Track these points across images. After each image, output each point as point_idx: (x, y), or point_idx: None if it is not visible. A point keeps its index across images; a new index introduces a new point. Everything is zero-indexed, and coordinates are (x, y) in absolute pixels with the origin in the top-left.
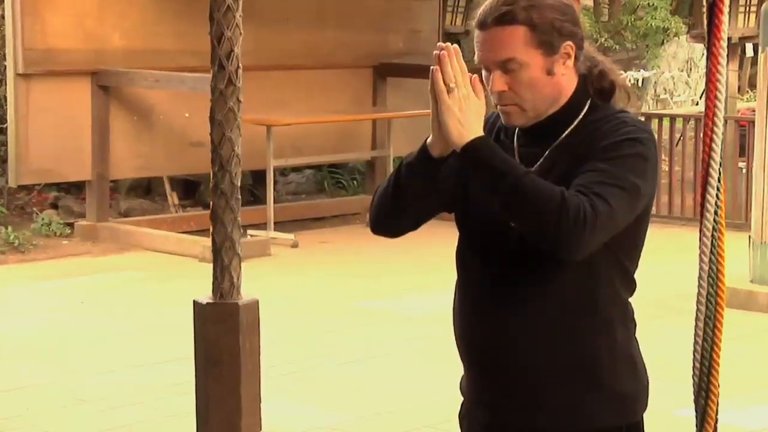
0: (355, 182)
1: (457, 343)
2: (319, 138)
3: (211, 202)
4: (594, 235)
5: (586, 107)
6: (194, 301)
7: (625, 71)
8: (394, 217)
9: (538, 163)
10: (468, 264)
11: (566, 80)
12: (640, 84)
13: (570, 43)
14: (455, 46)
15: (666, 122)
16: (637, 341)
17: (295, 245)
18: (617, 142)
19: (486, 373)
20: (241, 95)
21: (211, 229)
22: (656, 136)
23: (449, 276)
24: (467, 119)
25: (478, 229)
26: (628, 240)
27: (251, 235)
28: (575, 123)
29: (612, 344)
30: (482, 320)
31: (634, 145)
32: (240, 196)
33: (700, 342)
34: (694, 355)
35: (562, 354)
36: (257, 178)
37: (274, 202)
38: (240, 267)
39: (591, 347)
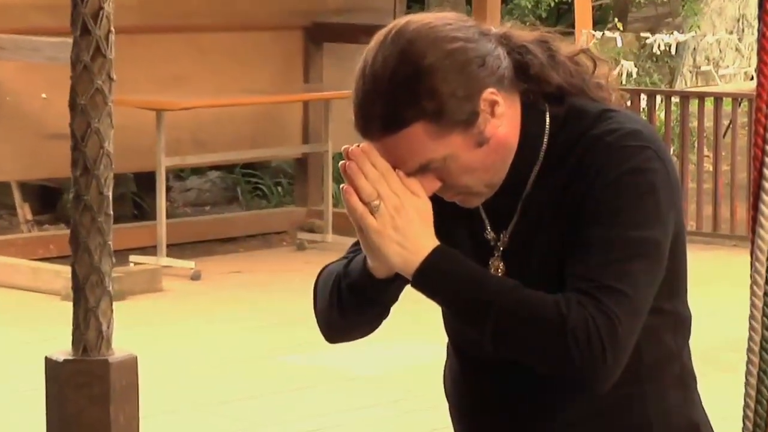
0: (279, 189)
1: (459, 419)
2: (229, 128)
3: (72, 220)
4: (620, 354)
5: (547, 129)
6: (46, 357)
7: (653, 34)
8: (348, 334)
9: (512, 224)
10: None
11: (507, 126)
12: (672, 51)
13: (489, 90)
14: (364, 145)
15: (709, 103)
16: (700, 400)
17: (196, 276)
18: (610, 187)
19: None
20: (113, 70)
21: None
22: (696, 122)
23: (405, 319)
24: (409, 236)
25: None
26: (665, 281)
27: (135, 263)
28: (540, 159)
29: (665, 411)
30: (501, 395)
31: (634, 180)
32: (112, 212)
33: (752, 405)
34: (744, 422)
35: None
36: (143, 183)
37: (168, 217)
38: (111, 310)
39: (639, 420)
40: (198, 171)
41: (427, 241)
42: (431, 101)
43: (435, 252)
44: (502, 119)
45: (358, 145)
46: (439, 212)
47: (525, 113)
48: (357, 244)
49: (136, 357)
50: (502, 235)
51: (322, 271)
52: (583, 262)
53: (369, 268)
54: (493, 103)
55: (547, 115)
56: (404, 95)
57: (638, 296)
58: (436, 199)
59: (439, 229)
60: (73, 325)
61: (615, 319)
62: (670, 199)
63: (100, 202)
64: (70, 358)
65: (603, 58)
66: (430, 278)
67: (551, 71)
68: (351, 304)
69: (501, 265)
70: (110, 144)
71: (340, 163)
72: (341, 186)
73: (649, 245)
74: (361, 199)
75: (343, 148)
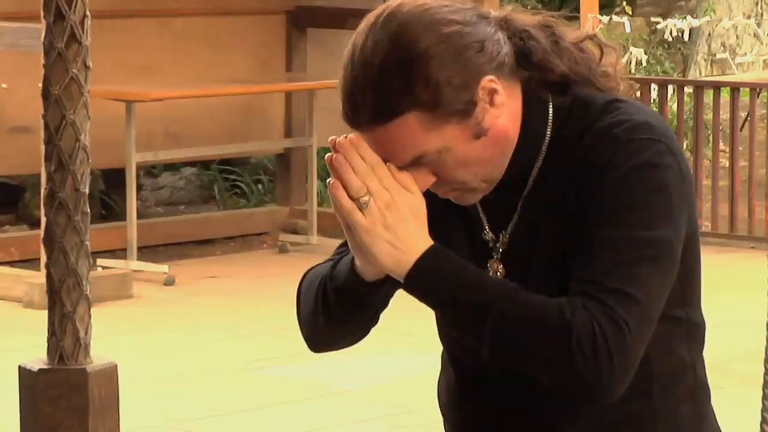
0: (259, 187)
1: None
2: (205, 120)
3: (44, 219)
4: (628, 362)
5: (551, 121)
6: (20, 366)
7: (664, 18)
8: (335, 343)
9: (512, 224)
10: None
11: (507, 117)
12: (686, 37)
13: (488, 77)
14: (352, 136)
15: (725, 94)
16: (714, 415)
17: (169, 282)
18: (618, 183)
19: None
20: (89, 58)
21: (44, 259)
22: (711, 114)
23: (396, 328)
24: (401, 235)
25: None
26: (677, 287)
27: (103, 268)
28: (542, 153)
29: (676, 427)
30: (500, 408)
31: (644, 176)
32: (89, 210)
33: None
34: None
35: None
36: (112, 181)
37: (138, 218)
38: (89, 315)
39: None
40: (171, 167)
41: (421, 241)
42: (425, 89)
43: (429, 252)
44: (502, 109)
45: (346, 137)
46: (433, 211)
47: (526, 103)
48: (344, 244)
49: (117, 366)
50: (501, 236)
51: (306, 275)
52: (588, 265)
53: (357, 269)
54: (492, 92)
55: (550, 106)
56: (396, 83)
57: (648, 301)
58: (429, 197)
59: (433, 229)
60: (48, 332)
61: (623, 324)
62: (682, 197)
63: (76, 199)
64: (45, 367)
65: (611, 44)
66: (423, 280)
67: (555, 58)
68: (337, 310)
69: (500, 267)
70: (86, 137)
71: (327, 155)
72: (328, 181)
73: (660, 246)
74: (349, 195)
75: (329, 139)
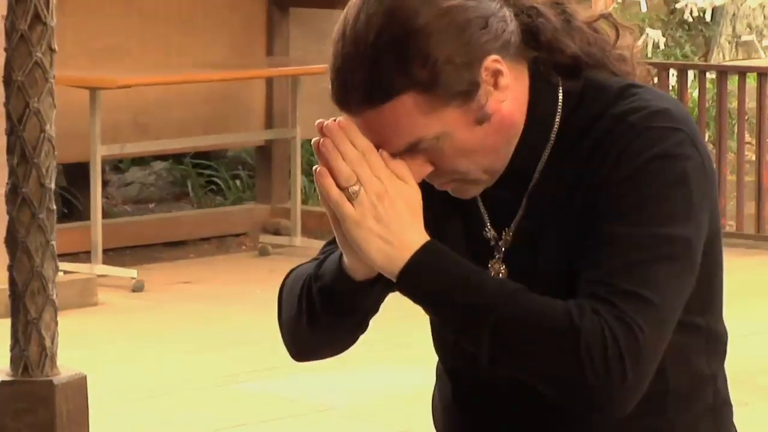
0: (237, 183)
1: None
2: (178, 110)
3: (8, 216)
4: (642, 371)
5: (560, 107)
6: None
7: None
8: (319, 351)
9: (516, 220)
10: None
11: (512, 101)
12: (707, 18)
13: (492, 57)
14: (342, 119)
15: (751, 80)
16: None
17: (138, 288)
18: (633, 175)
19: None
20: (54, 40)
21: (6, 261)
22: (736, 102)
23: (386, 338)
24: (393, 229)
25: None
26: (696, 292)
27: (65, 272)
28: (551, 142)
29: None
30: (500, 425)
31: (662, 168)
32: (55, 207)
33: None
34: None
35: None
36: (74, 176)
37: (104, 217)
38: (56, 322)
39: None
40: (140, 161)
41: (415, 235)
42: (423, 68)
43: (424, 248)
44: (507, 93)
45: (335, 120)
46: (428, 205)
47: (534, 87)
48: (331, 242)
49: (86, 377)
50: (504, 234)
51: (289, 275)
52: (599, 264)
53: (345, 267)
54: (497, 73)
55: (560, 91)
56: (391, 61)
57: (665, 304)
58: (425, 189)
59: (428, 226)
60: (11, 340)
61: (637, 330)
62: (704, 192)
63: (41, 195)
64: (8, 378)
65: (627, 25)
66: (417, 279)
67: (566, 38)
68: (323, 313)
69: (502, 268)
70: (52, 127)
71: (314, 140)
72: (314, 168)
73: (679, 245)
74: (337, 184)
75: (317, 122)
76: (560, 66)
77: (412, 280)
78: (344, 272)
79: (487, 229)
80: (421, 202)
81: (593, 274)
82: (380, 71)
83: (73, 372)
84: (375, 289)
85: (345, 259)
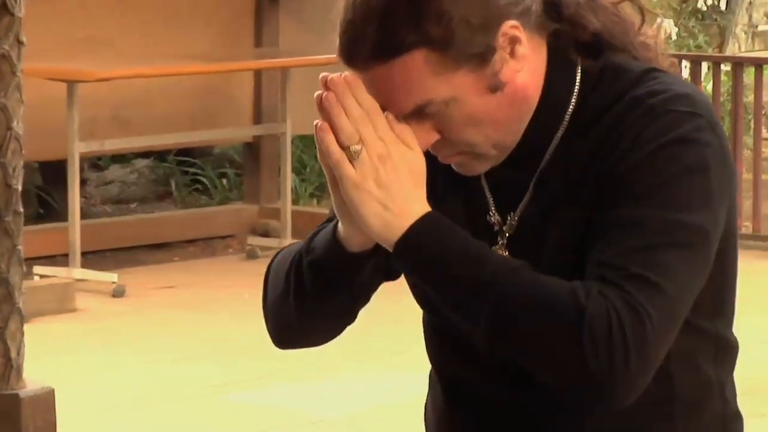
0: (224, 181)
1: None
2: (161, 105)
3: None
4: (647, 359)
5: (577, 86)
6: None
7: None
8: (304, 336)
9: (522, 204)
10: (462, 342)
11: (528, 73)
12: (722, 6)
13: (511, 23)
14: (348, 74)
15: None
16: None
17: (118, 293)
18: (649, 158)
19: None
20: (22, 32)
21: None
22: (753, 95)
23: (378, 345)
24: (394, 194)
25: None
26: (707, 293)
27: (41, 276)
28: (564, 123)
29: None
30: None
31: (680, 152)
32: (22, 209)
33: None
34: None
35: None
36: (51, 175)
37: (82, 218)
38: (22, 332)
39: None
40: (121, 159)
41: (416, 204)
42: (437, 25)
43: (425, 218)
44: (523, 63)
45: (341, 75)
46: (430, 182)
47: (551, 63)
48: (325, 222)
49: (53, 391)
50: (509, 218)
51: (275, 257)
52: (609, 247)
53: (340, 237)
54: (514, 40)
55: (579, 70)
56: (404, 15)
57: (675, 292)
58: (428, 164)
59: (428, 204)
60: None
61: (644, 314)
62: (723, 182)
63: (8, 196)
64: None
65: (654, 11)
66: (415, 249)
67: (589, 14)
68: (312, 287)
69: (506, 254)
70: (19, 124)
71: (316, 94)
72: (315, 123)
73: (693, 232)
74: (338, 141)
75: (321, 76)
76: (581, 43)
77: (409, 250)
78: (338, 243)
79: (491, 213)
80: (425, 170)
81: (602, 255)
82: (392, 25)
83: (41, 385)
84: (370, 263)
85: (340, 226)
